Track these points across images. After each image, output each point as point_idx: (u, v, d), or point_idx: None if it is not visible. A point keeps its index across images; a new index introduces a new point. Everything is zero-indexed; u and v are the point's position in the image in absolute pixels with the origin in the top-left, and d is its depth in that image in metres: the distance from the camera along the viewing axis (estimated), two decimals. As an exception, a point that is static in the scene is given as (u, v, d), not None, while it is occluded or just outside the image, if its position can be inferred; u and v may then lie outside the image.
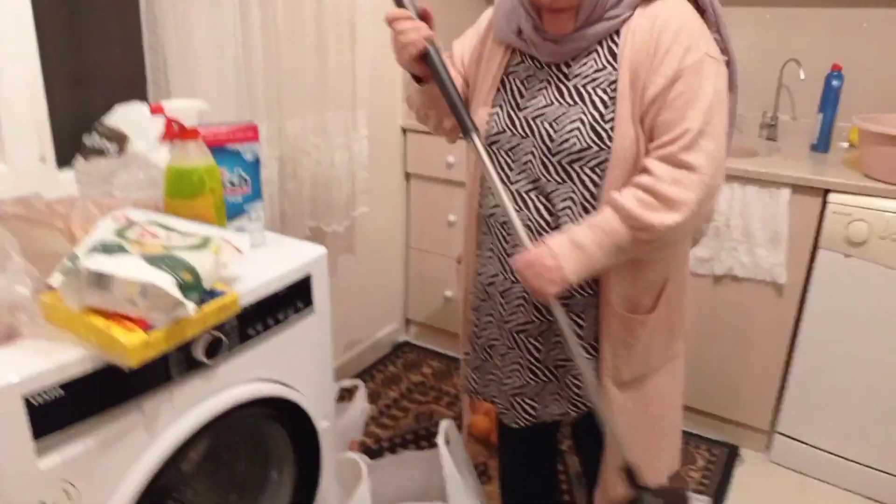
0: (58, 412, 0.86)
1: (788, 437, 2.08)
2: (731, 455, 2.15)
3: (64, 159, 1.37)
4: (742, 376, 2.12)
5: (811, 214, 1.89)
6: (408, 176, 2.55)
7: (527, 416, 1.36)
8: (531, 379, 1.32)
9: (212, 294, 1.00)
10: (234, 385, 1.10)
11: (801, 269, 1.94)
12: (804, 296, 1.96)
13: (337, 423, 1.73)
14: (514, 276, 1.24)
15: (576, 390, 1.31)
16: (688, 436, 2.18)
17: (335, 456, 1.44)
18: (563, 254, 1.10)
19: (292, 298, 1.20)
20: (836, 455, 2.02)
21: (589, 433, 1.37)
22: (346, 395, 2.04)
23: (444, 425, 1.56)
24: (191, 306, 0.91)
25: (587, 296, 1.22)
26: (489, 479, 1.98)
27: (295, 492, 1.27)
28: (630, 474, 1.24)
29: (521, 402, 1.35)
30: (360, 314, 2.46)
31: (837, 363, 1.94)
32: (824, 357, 1.96)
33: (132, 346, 0.86)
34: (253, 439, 1.29)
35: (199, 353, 1.02)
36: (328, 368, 1.35)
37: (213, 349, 1.03)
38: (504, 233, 1.25)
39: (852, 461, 1.99)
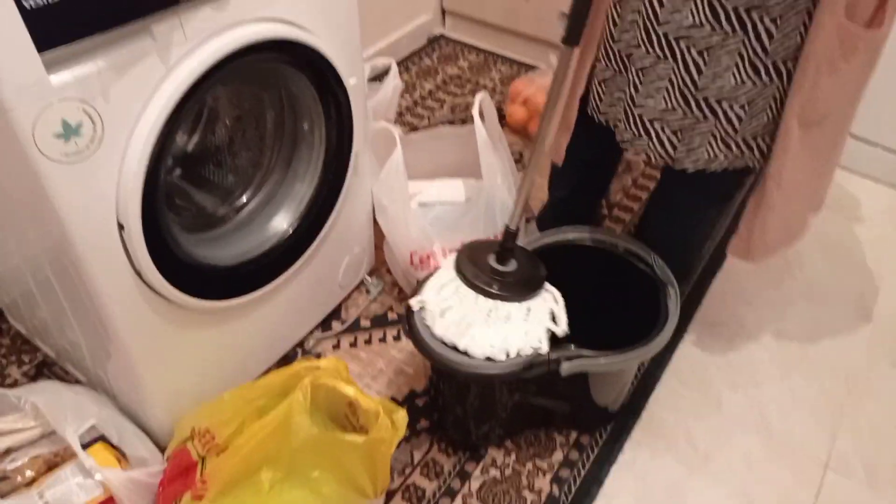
0: (57, 23, 0.79)
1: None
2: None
3: None
4: None
5: None
6: None
7: (664, 153, 1.12)
8: (680, 106, 1.08)
9: None
10: (250, 22, 1.02)
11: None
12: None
13: (369, 101, 1.67)
14: None
15: (737, 125, 1.06)
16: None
17: (368, 123, 1.40)
18: None
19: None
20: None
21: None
22: (377, 80, 1.97)
23: (480, 97, 1.48)
24: None
25: None
26: (523, 167, 1.97)
27: (328, 151, 1.25)
28: None
29: (661, 132, 1.11)
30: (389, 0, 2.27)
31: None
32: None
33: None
34: (281, 96, 1.24)
35: (205, -26, 0.92)
36: (354, 22, 1.23)
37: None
38: None
39: None
